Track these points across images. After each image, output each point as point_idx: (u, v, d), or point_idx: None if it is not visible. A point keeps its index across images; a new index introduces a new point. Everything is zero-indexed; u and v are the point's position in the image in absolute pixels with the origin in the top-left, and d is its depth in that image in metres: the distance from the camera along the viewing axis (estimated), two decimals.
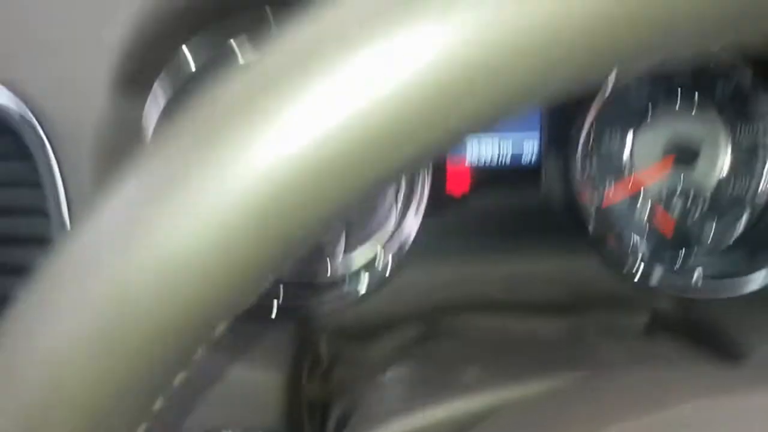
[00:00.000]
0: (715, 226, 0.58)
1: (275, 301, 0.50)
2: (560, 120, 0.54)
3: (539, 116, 0.54)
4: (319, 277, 0.53)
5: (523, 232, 0.56)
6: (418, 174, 0.52)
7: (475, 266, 0.55)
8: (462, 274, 0.54)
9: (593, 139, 0.55)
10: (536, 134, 0.55)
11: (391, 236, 0.53)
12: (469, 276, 0.54)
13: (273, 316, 0.49)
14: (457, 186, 0.55)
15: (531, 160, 0.55)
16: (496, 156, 0.55)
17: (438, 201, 0.54)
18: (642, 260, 0.55)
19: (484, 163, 0.55)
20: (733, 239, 0.58)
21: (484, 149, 0.55)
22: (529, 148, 0.55)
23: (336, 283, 0.52)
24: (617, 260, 0.55)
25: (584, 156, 0.54)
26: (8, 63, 0.41)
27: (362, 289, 0.52)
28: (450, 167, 0.54)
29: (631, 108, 0.56)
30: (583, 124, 0.53)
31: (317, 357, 0.50)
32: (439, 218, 0.54)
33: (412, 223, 0.53)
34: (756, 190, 0.58)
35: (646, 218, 0.57)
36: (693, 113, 0.56)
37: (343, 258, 0.53)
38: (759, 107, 0.57)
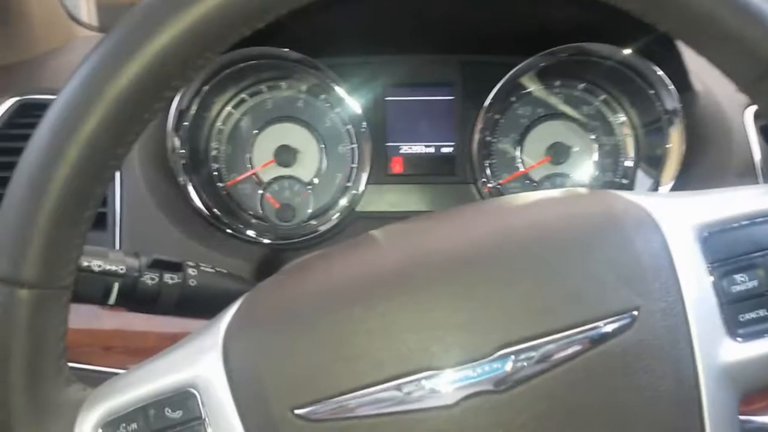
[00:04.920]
0: None
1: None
2: (465, 128, 0.80)
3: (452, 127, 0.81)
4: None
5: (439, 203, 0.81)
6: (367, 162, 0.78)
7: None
8: None
9: (490, 142, 0.80)
10: (451, 136, 0.81)
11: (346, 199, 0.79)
12: None
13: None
14: (396, 168, 0.81)
15: (449, 152, 0.81)
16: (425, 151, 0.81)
17: (382, 178, 0.80)
18: None
19: (417, 154, 0.81)
20: None
21: (417, 149, 0.81)
22: (447, 149, 0.81)
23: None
24: None
25: (483, 154, 0.79)
26: None
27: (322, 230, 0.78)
28: (392, 157, 0.81)
29: (519, 121, 0.81)
30: (477, 131, 0.79)
31: None
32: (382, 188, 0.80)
33: (361, 189, 0.78)
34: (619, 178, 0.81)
35: None
36: (565, 126, 0.80)
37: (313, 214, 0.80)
38: (616, 124, 0.80)
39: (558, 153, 0.80)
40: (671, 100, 0.75)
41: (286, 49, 0.77)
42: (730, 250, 0.37)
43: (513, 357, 0.33)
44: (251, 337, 0.35)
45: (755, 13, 0.37)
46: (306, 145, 0.80)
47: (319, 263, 0.39)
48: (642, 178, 0.78)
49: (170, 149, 0.75)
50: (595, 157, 0.80)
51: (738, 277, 0.36)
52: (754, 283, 0.36)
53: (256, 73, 0.79)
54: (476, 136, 0.79)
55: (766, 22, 0.37)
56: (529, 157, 0.81)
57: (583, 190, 0.41)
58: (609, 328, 0.33)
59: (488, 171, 0.80)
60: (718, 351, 0.35)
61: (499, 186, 0.80)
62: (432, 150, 0.81)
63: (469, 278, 0.34)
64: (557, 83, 0.81)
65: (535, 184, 0.80)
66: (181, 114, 0.75)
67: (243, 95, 0.80)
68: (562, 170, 0.80)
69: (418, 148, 0.81)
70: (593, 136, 0.80)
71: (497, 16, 0.75)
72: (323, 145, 0.80)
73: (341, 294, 0.35)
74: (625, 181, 0.80)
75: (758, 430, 0.63)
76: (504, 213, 0.40)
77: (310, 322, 0.34)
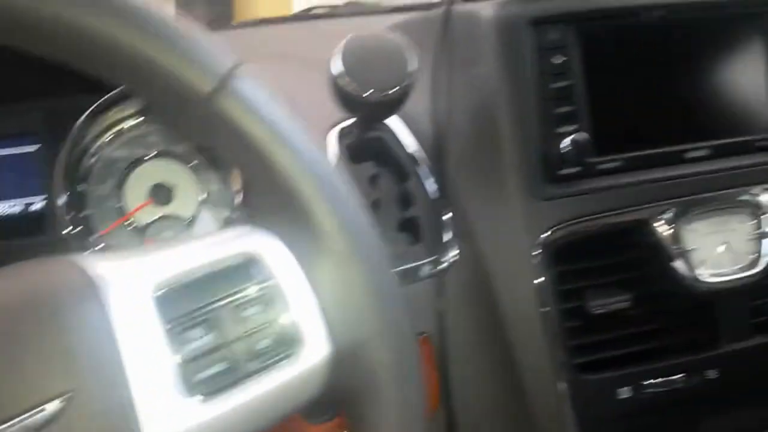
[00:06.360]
0: None
1: None
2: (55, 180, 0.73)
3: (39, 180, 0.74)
4: None
5: None
6: None
7: None
8: None
9: (85, 192, 0.74)
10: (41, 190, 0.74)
11: None
12: None
13: None
14: None
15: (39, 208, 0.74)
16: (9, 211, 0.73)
17: None
18: None
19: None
20: None
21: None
22: (37, 205, 0.74)
23: None
24: None
25: (77, 205, 0.73)
26: None
27: None
28: None
29: (116, 165, 0.76)
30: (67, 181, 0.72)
31: None
32: None
33: None
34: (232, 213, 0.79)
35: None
36: (168, 164, 0.77)
37: None
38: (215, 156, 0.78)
39: (160, 193, 0.77)
40: None
41: None
42: (185, 307, 0.35)
43: None
44: None
45: (183, 50, 0.37)
46: None
47: None
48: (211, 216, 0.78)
49: None
50: (203, 193, 0.78)
51: (194, 333, 0.35)
52: (210, 337, 0.35)
53: None
54: (67, 187, 0.73)
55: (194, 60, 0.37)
56: (134, 202, 0.76)
57: (37, 262, 0.37)
58: (27, 423, 0.30)
59: (86, 223, 0.74)
60: (177, 417, 0.33)
61: (99, 238, 0.75)
62: (19, 208, 0.74)
63: None
64: (151, 120, 0.77)
65: (142, 230, 0.76)
66: None
67: None
68: (170, 212, 0.77)
69: (1, 208, 0.73)
70: (196, 172, 0.78)
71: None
72: None
73: None
74: (234, 216, 0.79)
75: None
76: None
77: None
